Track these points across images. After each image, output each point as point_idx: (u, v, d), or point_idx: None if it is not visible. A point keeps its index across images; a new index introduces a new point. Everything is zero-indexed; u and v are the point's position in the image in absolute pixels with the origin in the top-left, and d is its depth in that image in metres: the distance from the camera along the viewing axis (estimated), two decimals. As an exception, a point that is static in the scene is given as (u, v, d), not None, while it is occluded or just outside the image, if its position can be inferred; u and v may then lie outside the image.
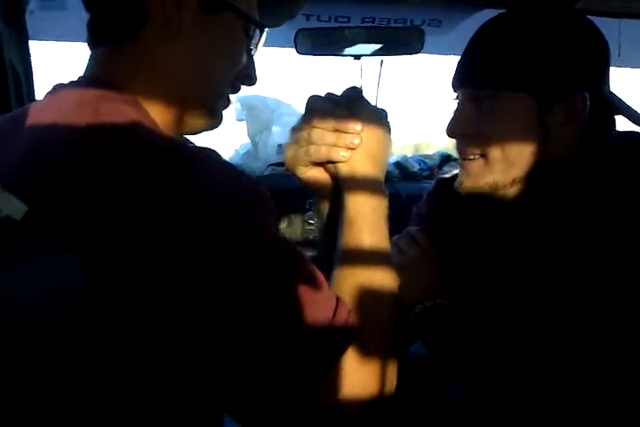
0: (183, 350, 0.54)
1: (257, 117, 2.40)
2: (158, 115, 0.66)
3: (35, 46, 1.39)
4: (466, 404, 0.92)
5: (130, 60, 0.66)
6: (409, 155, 2.41)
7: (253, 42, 0.73)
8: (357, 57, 1.09)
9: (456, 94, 0.85)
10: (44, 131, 0.60)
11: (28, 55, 1.37)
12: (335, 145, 0.70)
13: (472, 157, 0.82)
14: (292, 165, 0.75)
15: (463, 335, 0.80)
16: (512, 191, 0.83)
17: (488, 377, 0.78)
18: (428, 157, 2.45)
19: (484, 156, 0.81)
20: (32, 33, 1.36)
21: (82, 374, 0.49)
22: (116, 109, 0.60)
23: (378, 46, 1.06)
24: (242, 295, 0.54)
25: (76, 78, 0.67)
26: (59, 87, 0.66)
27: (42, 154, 0.58)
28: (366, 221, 0.69)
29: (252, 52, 0.75)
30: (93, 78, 0.67)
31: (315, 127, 0.70)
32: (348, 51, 1.16)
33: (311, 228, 1.80)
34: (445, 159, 2.31)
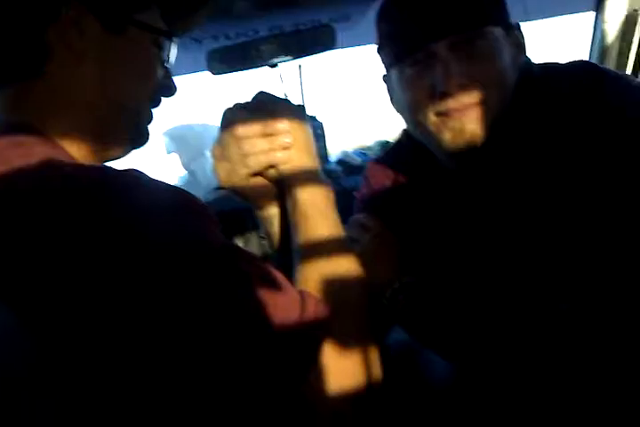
0: (148, 379, 0.50)
1: (187, 146, 2.37)
2: (76, 149, 0.63)
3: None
4: (451, 386, 0.91)
5: (39, 98, 0.63)
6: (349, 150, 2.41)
7: (165, 53, 0.71)
8: (273, 65, 1.07)
9: (415, 58, 0.80)
10: None
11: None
12: (271, 149, 0.69)
13: (471, 102, 0.78)
14: (229, 183, 0.73)
15: (439, 308, 0.78)
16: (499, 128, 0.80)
17: (473, 345, 0.76)
18: (367, 148, 2.45)
19: (483, 102, 0.78)
20: None
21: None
22: (24, 153, 0.56)
23: (291, 51, 1.05)
24: (204, 309, 0.51)
25: None
26: None
27: None
28: (320, 211, 0.69)
29: (166, 63, 0.72)
30: (1, 123, 0.63)
31: (243, 138, 0.69)
32: (262, 62, 1.15)
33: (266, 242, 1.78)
34: (384, 147, 2.32)
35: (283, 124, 0.69)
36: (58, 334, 0.48)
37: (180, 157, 2.43)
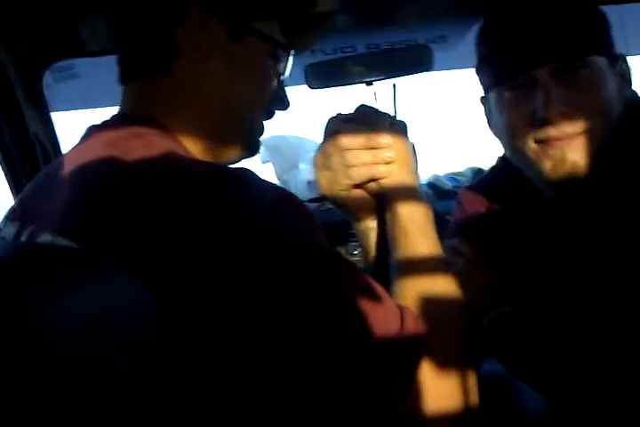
0: (253, 373, 0.51)
1: (282, 157, 2.42)
2: (193, 146, 0.66)
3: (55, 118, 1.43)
4: (544, 422, 0.88)
5: (162, 94, 0.67)
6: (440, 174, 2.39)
7: (282, 65, 0.74)
8: (369, 83, 1.09)
9: (517, 82, 0.78)
10: (80, 177, 0.60)
11: (53, 128, 1.41)
12: (374, 162, 0.70)
13: (573, 131, 0.76)
14: (330, 192, 0.74)
15: (536, 339, 0.76)
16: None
17: (569, 378, 0.73)
18: (459, 174, 2.43)
19: (586, 132, 0.76)
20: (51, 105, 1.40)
21: (151, 392, 0.47)
22: (145, 144, 0.60)
23: (387, 69, 1.06)
24: (307, 313, 0.52)
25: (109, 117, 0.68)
26: (91, 130, 0.67)
27: (81, 199, 0.58)
28: (420, 228, 0.69)
29: (282, 77, 0.75)
30: (125, 115, 0.68)
31: (347, 150, 0.69)
32: (358, 79, 1.16)
33: (357, 258, 1.78)
34: (477, 174, 2.28)
35: (386, 139, 0.70)
36: (176, 305, 0.50)
37: (274, 167, 2.48)
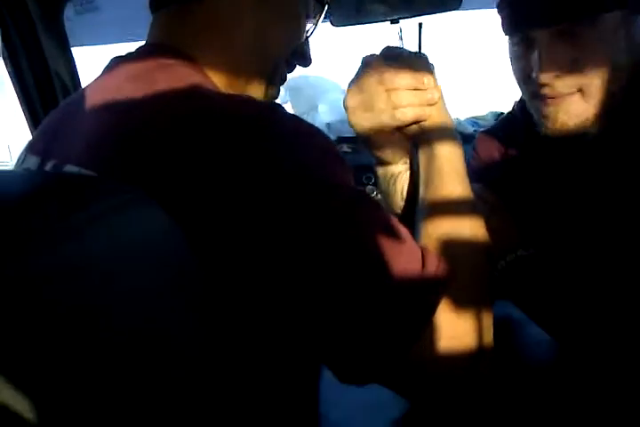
0: (275, 305, 0.53)
1: (301, 97, 2.39)
2: (218, 80, 0.65)
3: (76, 53, 1.42)
4: (551, 366, 0.90)
5: (193, 23, 0.66)
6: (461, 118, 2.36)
7: (313, 19, 0.72)
8: (394, 21, 1.06)
9: (518, 37, 0.78)
10: (105, 110, 0.60)
11: (73, 63, 1.40)
12: (420, 104, 0.68)
13: (567, 91, 0.77)
14: (369, 132, 0.71)
15: (553, 281, 0.77)
16: (594, 127, 0.79)
17: (581, 320, 0.75)
18: (480, 117, 2.39)
19: (580, 90, 0.76)
20: (72, 40, 1.38)
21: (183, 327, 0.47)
22: (172, 77, 0.59)
23: (414, 7, 1.03)
24: (331, 250, 0.52)
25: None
26: (115, 61, 0.66)
27: (106, 132, 0.57)
28: (456, 169, 0.68)
29: (310, 31, 0.74)
30: (152, 46, 0.66)
31: (394, 90, 0.67)
32: (383, 17, 1.13)
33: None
34: (498, 118, 2.24)
35: (429, 80, 0.68)
36: (204, 239, 0.51)
37: (294, 108, 2.45)
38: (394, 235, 0.57)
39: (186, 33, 0.66)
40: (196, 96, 0.57)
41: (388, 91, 0.67)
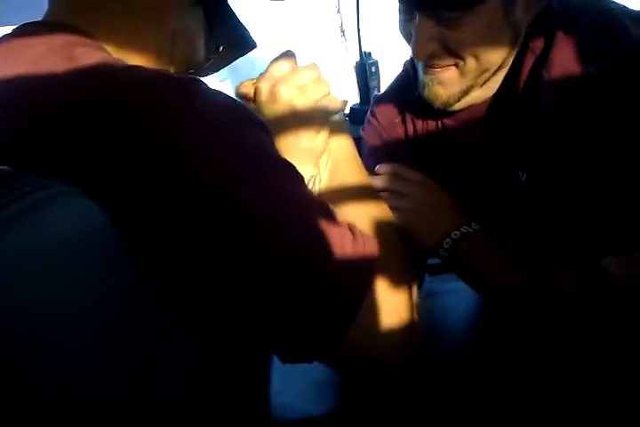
0: (210, 286, 0.51)
1: (239, 73, 2.34)
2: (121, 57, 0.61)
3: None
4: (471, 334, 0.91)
5: (97, 4, 0.61)
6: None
7: None
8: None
9: (404, 13, 0.80)
10: (21, 84, 0.55)
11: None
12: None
13: (443, 64, 0.79)
14: None
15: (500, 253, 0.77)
16: (481, 93, 0.82)
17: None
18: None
19: (456, 65, 0.79)
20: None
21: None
22: (90, 52, 0.55)
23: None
24: (264, 222, 0.51)
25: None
26: (6, 38, 0.61)
27: (28, 111, 0.53)
28: (347, 160, 0.72)
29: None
30: (56, 23, 0.61)
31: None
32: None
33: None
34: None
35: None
36: (135, 229, 0.48)
37: (232, 86, 2.41)
38: (322, 207, 0.57)
39: (89, 15, 0.61)
40: (111, 71, 0.53)
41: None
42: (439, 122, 0.89)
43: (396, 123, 0.94)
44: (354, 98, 1.92)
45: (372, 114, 0.98)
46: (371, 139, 0.97)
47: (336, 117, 0.72)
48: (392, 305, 0.59)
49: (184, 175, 0.49)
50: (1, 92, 0.55)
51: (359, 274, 0.55)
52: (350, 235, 0.57)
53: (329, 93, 0.70)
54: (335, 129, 0.72)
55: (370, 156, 0.94)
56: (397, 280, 0.60)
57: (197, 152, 0.50)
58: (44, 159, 0.49)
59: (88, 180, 0.47)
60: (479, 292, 0.81)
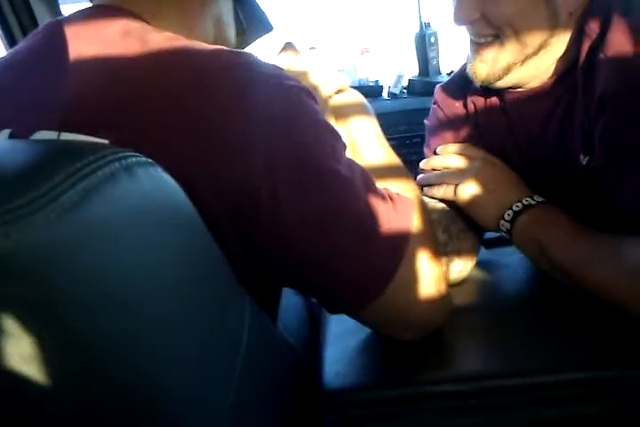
0: (271, 250, 0.57)
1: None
2: None
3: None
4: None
5: None
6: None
7: None
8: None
9: None
10: (92, 66, 0.57)
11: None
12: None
13: (484, 40, 0.80)
14: None
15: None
16: (524, 73, 0.82)
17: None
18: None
19: (497, 36, 0.79)
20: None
21: None
22: (164, 38, 0.58)
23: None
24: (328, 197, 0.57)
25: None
26: (75, 19, 0.63)
27: (91, 94, 0.55)
28: (373, 138, 0.76)
29: None
30: (118, 8, 0.63)
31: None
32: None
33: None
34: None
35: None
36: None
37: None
38: (366, 175, 0.63)
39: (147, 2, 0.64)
40: (188, 54, 0.57)
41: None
42: (500, 104, 0.89)
43: (457, 107, 0.96)
44: (413, 69, 1.89)
45: (435, 102, 1.01)
46: (433, 124, 1.00)
47: (346, 98, 0.77)
48: (434, 276, 0.65)
49: (264, 142, 0.54)
50: (78, 71, 0.57)
51: (399, 239, 0.61)
52: (391, 206, 0.62)
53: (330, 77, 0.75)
54: (350, 111, 0.76)
55: (431, 140, 0.98)
56: (434, 254, 0.66)
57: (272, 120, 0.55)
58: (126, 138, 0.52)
59: (171, 152, 0.51)
60: (538, 265, 0.81)
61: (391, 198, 0.63)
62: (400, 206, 0.63)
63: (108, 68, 0.56)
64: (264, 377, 0.58)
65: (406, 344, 0.69)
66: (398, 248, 0.61)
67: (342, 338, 0.73)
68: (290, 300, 0.92)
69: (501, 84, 0.83)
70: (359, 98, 0.78)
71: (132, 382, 0.36)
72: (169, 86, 0.54)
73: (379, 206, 0.60)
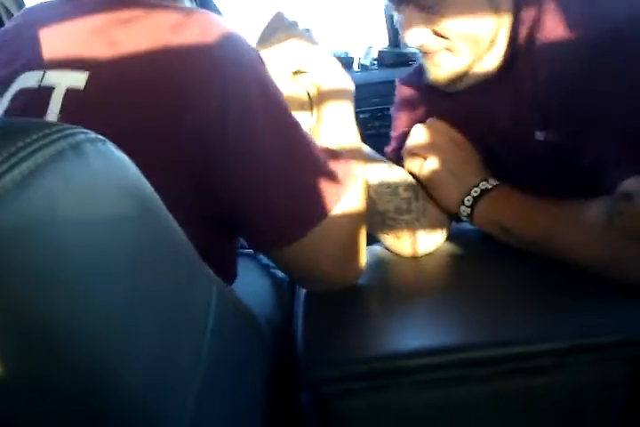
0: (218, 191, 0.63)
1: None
2: None
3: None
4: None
5: None
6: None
7: None
8: None
9: (392, 5, 0.82)
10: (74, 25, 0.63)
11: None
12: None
13: (434, 49, 0.82)
14: None
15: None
16: (482, 68, 0.83)
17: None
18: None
19: (448, 48, 0.81)
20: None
21: None
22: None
23: None
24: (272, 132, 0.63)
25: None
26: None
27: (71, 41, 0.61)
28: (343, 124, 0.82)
29: None
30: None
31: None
32: None
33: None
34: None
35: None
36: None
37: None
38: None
39: None
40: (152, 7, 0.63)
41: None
42: (457, 94, 0.90)
43: (416, 99, 0.99)
44: (383, 41, 1.87)
45: (397, 95, 1.04)
46: (398, 109, 1.03)
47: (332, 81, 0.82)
48: (348, 235, 0.72)
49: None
50: (61, 28, 0.63)
51: (332, 192, 0.68)
52: (336, 164, 0.69)
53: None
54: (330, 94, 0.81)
55: (398, 123, 1.02)
56: (359, 224, 0.74)
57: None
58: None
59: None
60: (508, 243, 0.82)
61: (337, 160, 0.69)
62: (343, 169, 0.70)
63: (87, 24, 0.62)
64: (233, 357, 0.58)
65: (379, 318, 0.69)
66: (334, 197, 0.67)
67: (315, 316, 0.73)
68: (257, 283, 0.93)
69: (464, 84, 0.85)
70: (344, 83, 0.82)
71: (85, 367, 0.35)
72: (140, 33, 0.59)
73: (322, 157, 0.67)
